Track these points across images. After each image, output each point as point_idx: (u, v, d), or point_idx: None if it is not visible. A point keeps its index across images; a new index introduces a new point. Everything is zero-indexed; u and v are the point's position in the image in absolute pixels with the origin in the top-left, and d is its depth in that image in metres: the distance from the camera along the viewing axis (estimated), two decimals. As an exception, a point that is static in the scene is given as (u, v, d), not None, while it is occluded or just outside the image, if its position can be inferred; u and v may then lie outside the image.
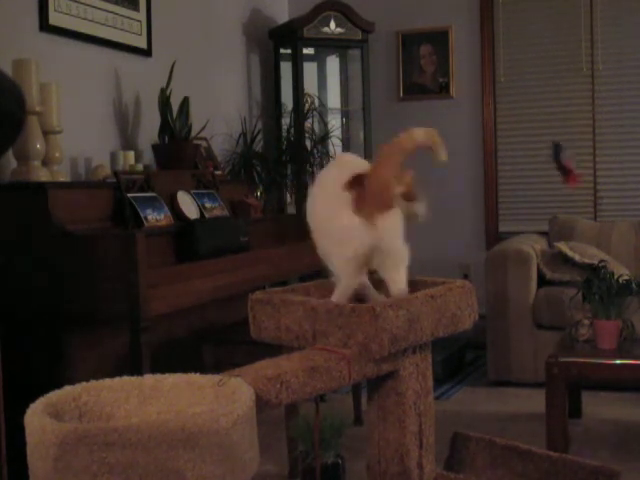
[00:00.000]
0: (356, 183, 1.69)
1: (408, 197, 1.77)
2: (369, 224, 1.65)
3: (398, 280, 1.75)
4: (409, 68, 5.31)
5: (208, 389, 1.46)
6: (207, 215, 3.50)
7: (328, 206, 1.72)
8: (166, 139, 3.76)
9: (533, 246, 4.29)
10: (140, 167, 3.60)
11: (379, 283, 1.81)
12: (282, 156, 4.84)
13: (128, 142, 3.86)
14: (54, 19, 3.35)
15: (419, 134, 1.70)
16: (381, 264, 1.74)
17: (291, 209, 4.98)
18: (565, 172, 1.82)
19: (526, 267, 4.13)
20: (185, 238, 3.20)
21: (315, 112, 5.09)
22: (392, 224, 1.68)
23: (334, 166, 1.87)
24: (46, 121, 3.07)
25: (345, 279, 1.75)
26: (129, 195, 3.12)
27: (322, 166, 4.68)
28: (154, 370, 1.70)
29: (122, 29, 3.79)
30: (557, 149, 1.76)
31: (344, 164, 1.83)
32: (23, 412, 1.33)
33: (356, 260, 1.71)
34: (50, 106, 3.09)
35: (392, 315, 1.63)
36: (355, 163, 1.80)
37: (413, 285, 1.90)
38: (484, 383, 4.24)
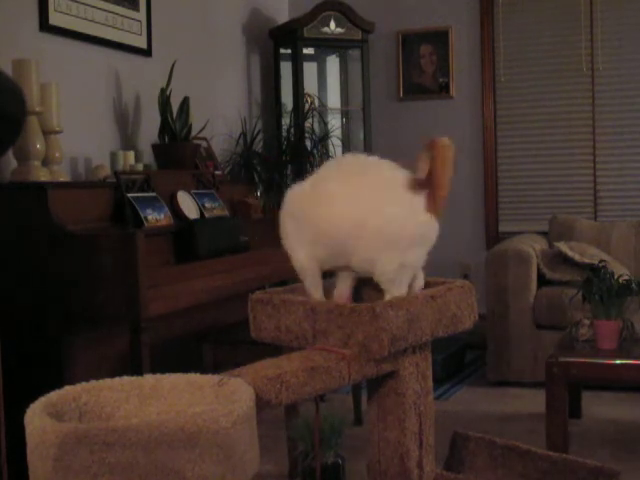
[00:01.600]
0: (421, 183, 1.75)
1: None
2: (437, 222, 1.77)
3: (420, 276, 1.83)
4: (409, 68, 5.31)
5: (208, 389, 1.46)
6: (207, 215, 3.50)
7: (390, 208, 1.73)
8: (166, 139, 3.76)
9: (533, 246, 4.29)
10: (140, 167, 3.60)
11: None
12: (282, 156, 4.84)
13: (128, 142, 3.86)
14: (54, 19, 3.35)
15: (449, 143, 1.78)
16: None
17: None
18: None
19: (526, 267, 4.13)
20: (185, 238, 3.20)
21: (315, 112, 5.09)
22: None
23: (351, 169, 1.84)
24: (46, 121, 3.07)
25: (405, 282, 1.78)
26: (129, 195, 3.12)
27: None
28: (154, 370, 1.70)
29: (122, 29, 3.79)
30: None
31: (360, 165, 1.85)
32: (23, 412, 1.33)
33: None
34: (50, 106, 3.09)
35: (392, 315, 1.63)
36: (372, 161, 1.85)
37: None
38: (484, 383, 4.24)
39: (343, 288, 1.82)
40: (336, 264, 1.80)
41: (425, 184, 1.75)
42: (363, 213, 1.72)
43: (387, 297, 1.74)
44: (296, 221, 1.80)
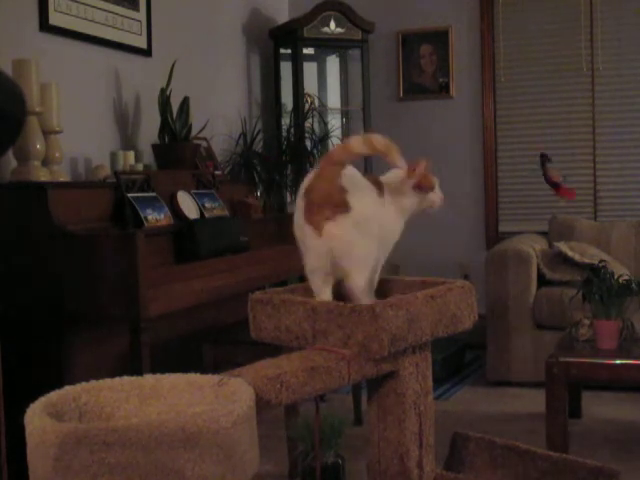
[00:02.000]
0: (306, 194, 1.73)
1: (423, 187, 1.81)
2: (318, 234, 1.70)
3: (353, 283, 1.75)
4: (409, 68, 5.31)
5: (208, 389, 1.46)
6: (207, 215, 3.50)
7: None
8: (166, 139, 3.76)
9: (533, 246, 4.29)
10: (140, 167, 3.60)
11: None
12: (282, 156, 4.84)
13: (128, 142, 3.86)
14: (54, 19, 3.35)
15: (356, 145, 1.71)
16: (338, 270, 1.75)
17: (291, 209, 4.98)
18: (553, 185, 1.82)
19: (526, 267, 4.13)
20: (185, 238, 3.20)
21: (315, 112, 5.09)
22: (340, 231, 1.70)
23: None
24: (46, 121, 3.07)
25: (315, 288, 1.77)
26: (129, 195, 3.12)
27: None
28: (154, 370, 1.70)
29: (122, 29, 3.79)
30: (543, 160, 1.75)
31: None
32: (23, 412, 1.33)
33: (318, 270, 1.75)
34: (50, 106, 3.09)
35: (392, 315, 1.63)
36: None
37: (413, 285, 1.90)
38: (484, 383, 4.24)
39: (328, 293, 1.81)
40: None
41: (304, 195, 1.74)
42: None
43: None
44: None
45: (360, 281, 1.74)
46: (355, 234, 1.70)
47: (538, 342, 4.08)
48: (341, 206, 1.69)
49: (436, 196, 1.87)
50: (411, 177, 1.82)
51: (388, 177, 1.87)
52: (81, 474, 1.21)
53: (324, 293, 1.77)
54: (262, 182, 4.66)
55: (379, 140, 1.70)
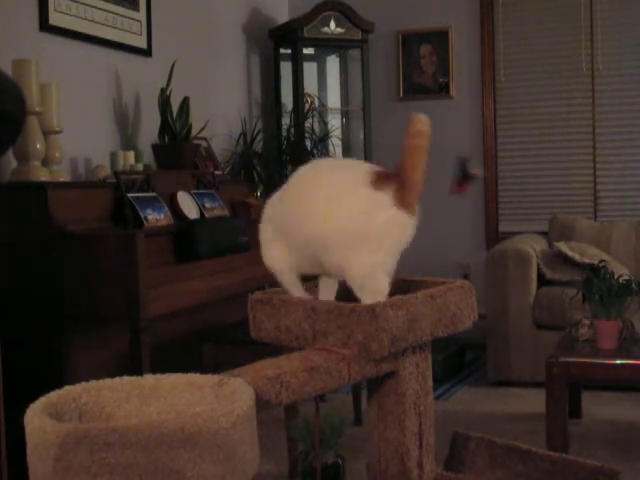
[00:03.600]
0: (388, 178, 1.67)
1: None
2: (410, 217, 1.66)
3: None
4: (409, 68, 5.31)
5: (208, 389, 1.46)
6: (207, 215, 3.50)
7: (348, 207, 1.65)
8: (166, 139, 3.76)
9: (533, 246, 4.29)
10: (140, 167, 3.60)
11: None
12: (282, 156, 4.84)
13: (128, 142, 3.86)
14: (54, 19, 3.35)
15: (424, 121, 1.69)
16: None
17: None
18: (467, 180, 1.78)
19: (526, 267, 4.13)
20: (185, 238, 3.20)
21: (315, 112, 5.09)
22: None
23: (320, 171, 1.79)
24: (46, 121, 3.07)
25: (382, 287, 1.68)
26: (129, 195, 3.12)
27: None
28: (154, 370, 1.70)
29: (122, 29, 3.79)
30: (464, 163, 1.71)
31: (330, 167, 1.81)
32: (23, 412, 1.33)
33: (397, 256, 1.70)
34: (50, 106, 3.09)
35: (392, 315, 1.63)
36: (337, 164, 1.79)
37: (413, 285, 1.90)
38: (484, 383, 4.24)
39: (327, 295, 1.79)
40: (312, 271, 1.76)
41: (391, 177, 1.66)
42: (322, 217, 1.66)
43: (363, 302, 1.67)
44: (272, 228, 1.77)
45: None
46: None
47: (538, 342, 4.08)
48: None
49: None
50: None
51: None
52: (81, 474, 1.21)
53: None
54: (262, 182, 4.66)
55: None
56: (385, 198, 1.65)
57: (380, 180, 1.67)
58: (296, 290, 1.79)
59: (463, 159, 1.81)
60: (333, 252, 1.67)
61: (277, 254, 1.76)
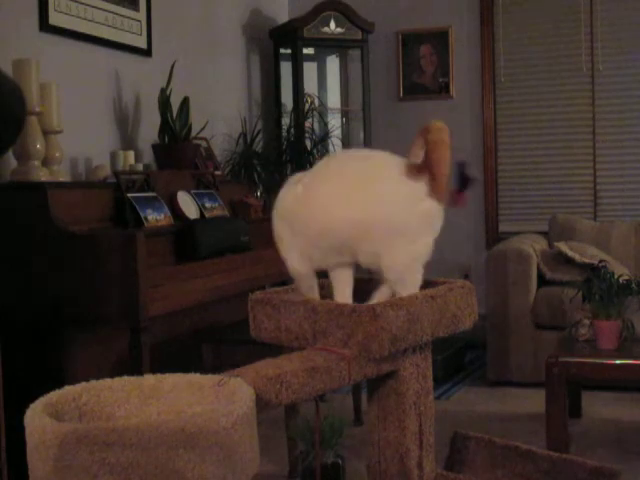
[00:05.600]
0: (419, 169, 1.68)
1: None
2: (441, 208, 1.70)
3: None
4: (409, 68, 5.31)
5: (208, 389, 1.46)
6: (207, 215, 3.50)
7: (391, 197, 1.66)
8: (166, 139, 3.76)
9: (533, 246, 4.29)
10: (140, 167, 3.60)
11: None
12: (282, 156, 4.84)
13: (128, 142, 3.86)
14: (54, 19, 3.35)
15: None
16: None
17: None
18: (466, 184, 1.79)
19: (526, 267, 4.13)
20: (185, 238, 3.20)
21: (315, 112, 5.09)
22: None
23: (348, 159, 1.80)
24: (46, 121, 3.07)
25: (416, 278, 1.71)
26: (129, 195, 3.12)
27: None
28: (154, 370, 1.70)
29: (122, 29, 3.79)
30: (462, 167, 1.71)
31: (356, 156, 1.82)
32: (23, 412, 1.33)
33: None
34: (50, 106, 3.09)
35: (392, 315, 1.63)
36: (364, 154, 1.80)
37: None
38: (484, 383, 4.24)
39: (346, 291, 1.79)
40: (338, 261, 1.75)
41: (423, 169, 1.68)
42: (364, 210, 1.65)
43: (398, 295, 1.68)
44: (289, 224, 1.74)
45: None
46: None
47: (538, 342, 4.08)
48: None
49: None
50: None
51: None
52: (81, 474, 1.21)
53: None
54: (262, 182, 4.66)
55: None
56: (423, 188, 1.66)
57: (414, 170, 1.68)
58: (312, 295, 1.78)
59: (461, 163, 1.82)
60: (372, 240, 1.66)
61: (297, 255, 1.74)
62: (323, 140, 4.87)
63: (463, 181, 1.80)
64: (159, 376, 1.51)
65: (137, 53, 3.92)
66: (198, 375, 1.51)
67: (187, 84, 4.07)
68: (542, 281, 4.19)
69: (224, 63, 4.79)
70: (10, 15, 3.17)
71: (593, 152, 4.98)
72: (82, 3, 3.52)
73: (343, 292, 1.78)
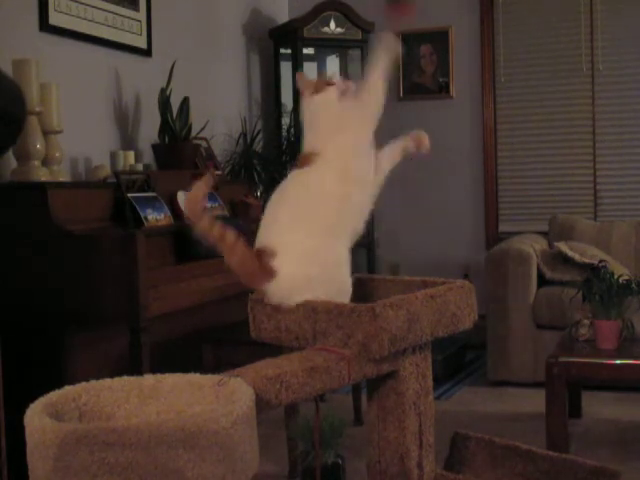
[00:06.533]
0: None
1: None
2: None
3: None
4: (409, 68, 5.31)
5: (208, 389, 1.46)
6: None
7: None
8: (166, 139, 3.76)
9: (533, 246, 4.29)
10: (140, 167, 3.60)
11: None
12: (282, 156, 4.84)
13: (128, 142, 3.86)
14: (54, 19, 3.35)
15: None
16: None
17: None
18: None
19: (526, 267, 4.13)
20: (185, 238, 3.20)
21: (315, 112, 5.08)
22: None
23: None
24: (46, 121, 3.07)
25: None
26: (129, 195, 3.12)
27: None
28: (154, 370, 1.70)
29: (122, 29, 3.79)
30: None
31: None
32: (23, 412, 1.33)
33: None
34: (50, 106, 3.09)
35: (392, 315, 1.63)
36: None
37: (413, 285, 1.90)
38: (484, 383, 4.24)
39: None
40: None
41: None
42: None
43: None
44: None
45: None
46: None
47: (538, 342, 4.08)
48: None
49: None
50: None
51: None
52: (81, 474, 1.21)
53: None
54: (262, 182, 4.66)
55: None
56: None
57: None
58: None
59: None
60: None
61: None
62: (323, 140, 4.85)
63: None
64: (159, 376, 1.51)
65: (137, 53, 3.92)
66: (198, 375, 1.51)
67: (187, 84, 4.07)
68: (542, 281, 4.19)
69: (224, 63, 4.79)
70: (10, 15, 3.17)
71: (593, 152, 4.98)
72: (82, 3, 3.53)
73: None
